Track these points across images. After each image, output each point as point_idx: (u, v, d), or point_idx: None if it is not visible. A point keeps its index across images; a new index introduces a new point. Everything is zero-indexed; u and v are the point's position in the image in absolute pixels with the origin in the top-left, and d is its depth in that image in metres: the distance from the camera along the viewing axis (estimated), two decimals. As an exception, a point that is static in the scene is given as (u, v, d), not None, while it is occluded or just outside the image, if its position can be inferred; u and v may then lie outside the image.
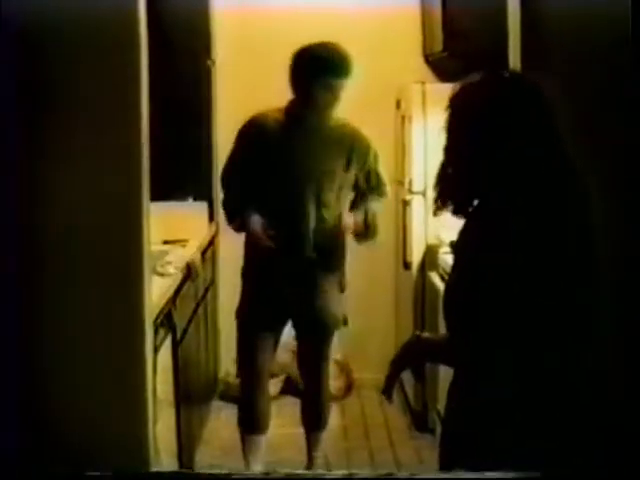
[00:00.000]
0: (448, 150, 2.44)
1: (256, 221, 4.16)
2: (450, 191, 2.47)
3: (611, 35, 2.86)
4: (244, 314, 4.33)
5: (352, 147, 4.22)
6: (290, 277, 4.21)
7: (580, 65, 2.95)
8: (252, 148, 4.21)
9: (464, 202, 2.46)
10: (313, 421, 4.50)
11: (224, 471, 2.46)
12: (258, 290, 4.29)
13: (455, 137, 2.41)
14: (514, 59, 3.12)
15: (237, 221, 4.26)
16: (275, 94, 5.41)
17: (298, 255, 4.17)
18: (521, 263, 2.33)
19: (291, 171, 4.16)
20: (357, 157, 4.22)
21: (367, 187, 4.30)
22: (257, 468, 4.37)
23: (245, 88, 5.65)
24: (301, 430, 4.55)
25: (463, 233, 2.49)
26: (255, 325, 4.29)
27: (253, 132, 4.23)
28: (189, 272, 4.39)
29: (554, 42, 3.01)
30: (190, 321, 4.47)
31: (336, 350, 5.04)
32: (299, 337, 4.44)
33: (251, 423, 4.42)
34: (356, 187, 4.28)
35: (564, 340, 2.42)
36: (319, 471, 4.42)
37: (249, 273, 4.34)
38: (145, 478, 2.41)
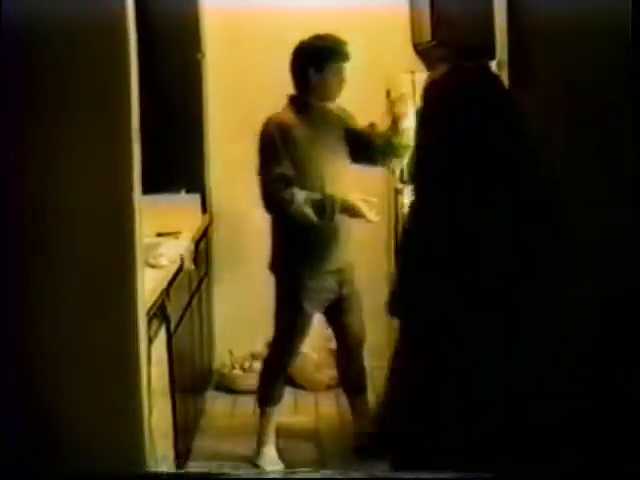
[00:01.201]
0: (420, 138, 2.62)
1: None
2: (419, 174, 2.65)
3: (603, 25, 2.89)
4: (295, 293, 4.49)
5: (347, 122, 4.58)
6: (333, 249, 4.46)
7: (565, 51, 2.98)
8: (285, 144, 4.35)
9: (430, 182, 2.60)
10: (359, 385, 4.76)
11: (219, 470, 2.49)
12: (311, 270, 4.46)
13: (426, 125, 2.58)
14: (501, 47, 3.14)
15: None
16: (265, 86, 5.45)
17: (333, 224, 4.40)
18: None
19: (317, 157, 4.39)
20: (351, 128, 4.58)
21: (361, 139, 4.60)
22: (272, 440, 4.61)
23: (235, 80, 5.67)
24: (296, 419, 4.58)
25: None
26: (307, 305, 4.50)
27: (279, 131, 4.38)
28: (182, 264, 4.41)
29: (539, 29, 3.04)
30: (184, 312, 4.49)
31: (330, 339, 5.07)
32: (345, 310, 4.64)
33: (274, 398, 4.63)
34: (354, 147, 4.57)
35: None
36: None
37: (298, 255, 4.48)
38: (142, 478, 2.45)
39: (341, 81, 4.43)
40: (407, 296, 2.68)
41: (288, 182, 4.30)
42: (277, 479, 2.50)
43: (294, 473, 2.53)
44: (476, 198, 2.53)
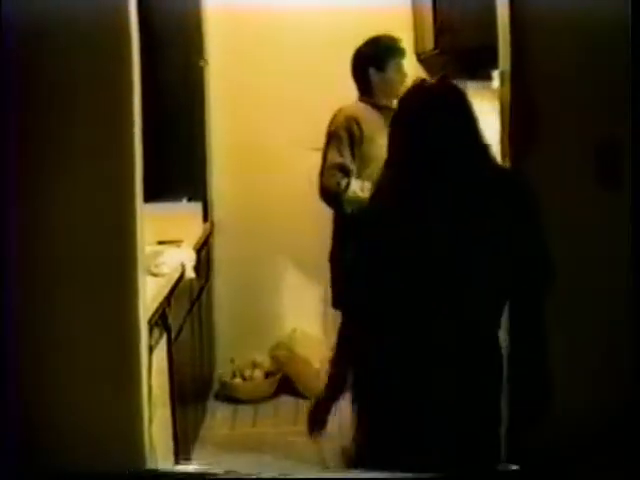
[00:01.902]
0: (390, 144, 2.86)
1: None
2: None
3: (604, 34, 2.89)
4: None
5: None
6: None
7: (567, 61, 2.99)
8: (350, 136, 4.50)
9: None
10: None
11: (219, 470, 2.48)
12: None
13: (394, 133, 2.85)
14: (503, 56, 3.14)
15: None
16: (269, 94, 5.45)
17: None
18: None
19: (379, 154, 4.40)
20: None
21: None
22: None
23: (238, 88, 5.66)
24: (297, 428, 4.55)
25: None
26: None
27: (346, 122, 4.54)
28: (183, 272, 4.40)
29: (543, 39, 3.04)
30: (185, 321, 4.47)
31: (332, 348, 5.06)
32: None
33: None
34: None
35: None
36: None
37: None
38: (142, 476, 2.43)
39: (402, 77, 4.58)
40: (354, 288, 2.80)
41: (346, 172, 4.45)
42: (276, 479, 2.48)
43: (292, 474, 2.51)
44: (429, 190, 2.72)
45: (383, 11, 5.48)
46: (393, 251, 2.71)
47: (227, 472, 2.46)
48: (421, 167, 2.73)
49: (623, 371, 2.91)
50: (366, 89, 4.63)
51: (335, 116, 4.59)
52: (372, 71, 4.57)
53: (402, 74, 4.60)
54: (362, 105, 4.63)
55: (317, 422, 2.89)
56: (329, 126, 4.58)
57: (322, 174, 4.54)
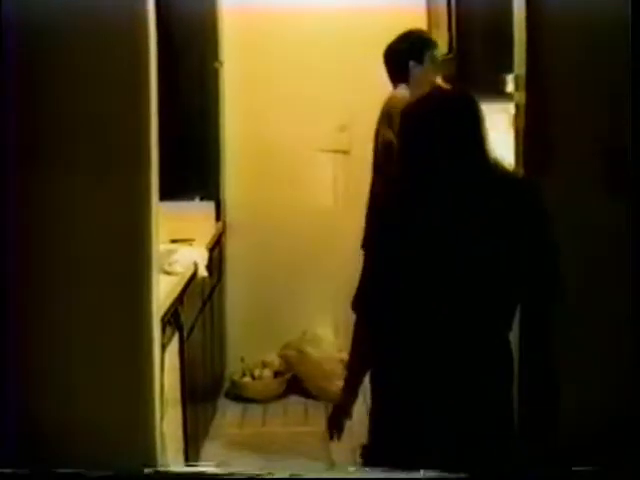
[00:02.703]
0: (399, 153, 2.86)
1: None
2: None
3: (613, 36, 2.90)
4: None
5: None
6: None
7: (583, 67, 3.00)
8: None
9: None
10: None
11: (226, 470, 2.50)
12: None
13: (402, 143, 2.85)
14: (519, 61, 3.14)
15: None
16: (283, 95, 5.46)
17: None
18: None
19: None
20: None
21: None
22: None
23: (253, 90, 5.68)
24: (306, 429, 4.57)
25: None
26: None
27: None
28: (196, 271, 4.42)
29: (559, 44, 3.05)
30: (197, 319, 4.49)
31: (342, 350, 5.07)
32: None
33: None
34: None
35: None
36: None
37: None
38: (148, 477, 2.44)
39: (438, 67, 4.69)
40: (372, 294, 2.79)
41: None
42: (281, 479, 2.49)
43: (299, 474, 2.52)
44: (439, 196, 2.72)
45: (399, 12, 5.49)
46: (404, 255, 2.72)
47: (235, 472, 2.47)
48: (431, 174, 2.74)
49: (625, 373, 2.91)
50: (403, 82, 4.65)
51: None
52: (412, 64, 4.61)
53: (437, 64, 4.69)
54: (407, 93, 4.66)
55: (337, 426, 2.92)
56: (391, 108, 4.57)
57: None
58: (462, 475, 2.47)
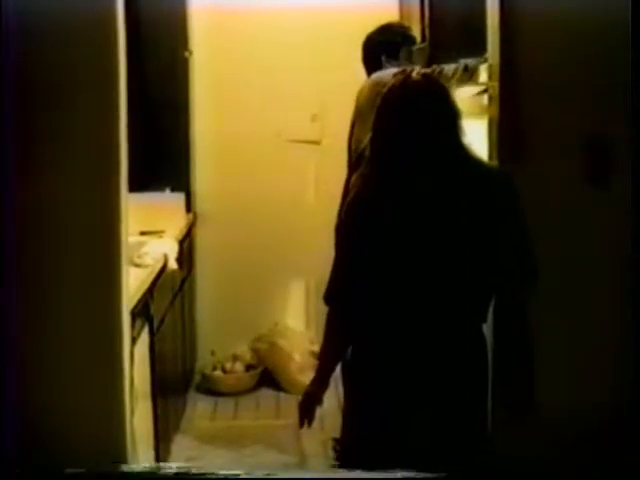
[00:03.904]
0: (373, 139, 2.84)
1: None
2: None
3: (589, 25, 2.90)
4: None
5: None
6: None
7: (559, 56, 2.99)
8: None
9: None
10: None
11: (197, 470, 2.47)
12: None
13: (379, 128, 2.83)
14: (492, 48, 3.13)
15: None
16: (253, 85, 5.43)
17: None
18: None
19: None
20: None
21: None
22: None
23: (223, 79, 5.65)
24: (278, 422, 4.54)
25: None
26: None
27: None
28: (166, 263, 4.39)
29: (533, 32, 3.03)
30: (167, 312, 4.46)
31: (313, 342, 5.05)
32: None
33: None
34: None
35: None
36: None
37: None
38: (122, 476, 2.41)
39: (414, 64, 4.53)
40: (345, 286, 2.78)
41: None
42: (262, 479, 2.46)
43: (276, 474, 2.49)
44: (412, 181, 2.72)
45: (369, 4, 5.47)
46: (377, 245, 2.70)
47: (208, 473, 2.44)
48: (404, 162, 2.73)
49: (619, 371, 2.92)
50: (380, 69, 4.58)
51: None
52: (384, 58, 4.54)
53: (412, 62, 4.58)
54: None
55: (307, 414, 2.89)
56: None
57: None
58: (439, 475, 2.44)
